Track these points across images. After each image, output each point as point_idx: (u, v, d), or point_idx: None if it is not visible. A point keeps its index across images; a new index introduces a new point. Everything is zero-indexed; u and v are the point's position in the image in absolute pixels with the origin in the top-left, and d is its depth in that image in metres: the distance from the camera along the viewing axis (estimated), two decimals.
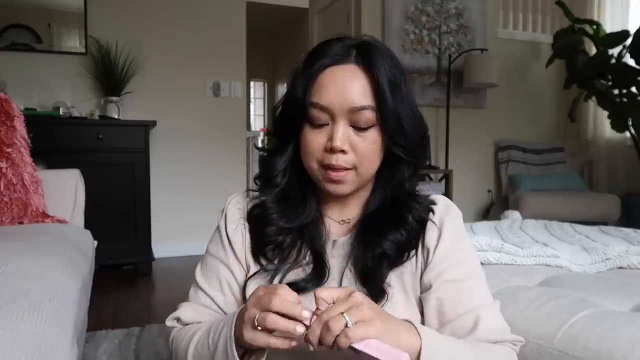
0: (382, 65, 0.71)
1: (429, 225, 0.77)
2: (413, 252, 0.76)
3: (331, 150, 0.71)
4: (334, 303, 0.58)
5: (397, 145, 0.74)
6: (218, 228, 0.83)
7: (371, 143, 0.72)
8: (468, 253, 0.78)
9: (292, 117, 0.75)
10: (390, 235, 0.75)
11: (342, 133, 0.71)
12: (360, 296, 0.58)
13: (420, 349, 0.60)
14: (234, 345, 0.63)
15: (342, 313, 0.55)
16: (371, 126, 0.72)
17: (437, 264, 0.75)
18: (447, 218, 0.78)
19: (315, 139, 0.72)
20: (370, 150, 0.72)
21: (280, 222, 0.77)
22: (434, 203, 0.80)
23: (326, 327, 0.54)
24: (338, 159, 0.71)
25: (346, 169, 0.72)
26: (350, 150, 0.71)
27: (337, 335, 0.54)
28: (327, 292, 0.58)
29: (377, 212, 0.78)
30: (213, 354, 0.66)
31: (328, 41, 0.74)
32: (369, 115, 0.71)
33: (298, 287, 0.73)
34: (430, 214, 0.78)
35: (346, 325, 0.54)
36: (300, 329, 0.56)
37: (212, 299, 0.80)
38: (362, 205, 0.81)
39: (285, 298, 0.57)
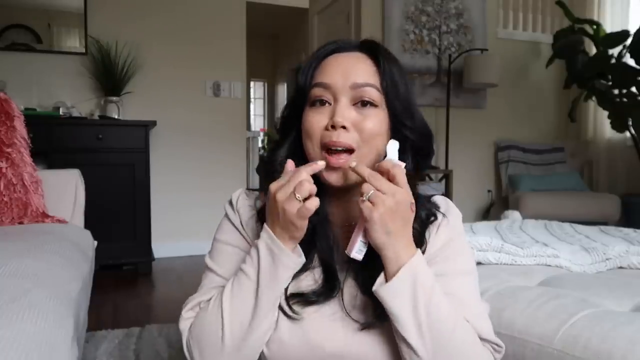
0: (387, 54, 0.74)
1: (432, 228, 0.77)
2: (421, 248, 0.75)
3: (332, 127, 0.69)
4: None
5: (405, 127, 0.72)
6: (231, 221, 0.79)
7: (376, 123, 0.70)
8: (462, 251, 0.78)
9: (295, 105, 0.75)
10: None
11: (344, 109, 0.70)
12: (401, 194, 0.64)
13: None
14: (279, 241, 0.66)
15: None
16: (374, 106, 0.71)
17: (429, 259, 0.74)
18: (445, 218, 0.78)
19: (315, 118, 0.71)
20: (375, 131, 0.70)
21: None
22: (436, 206, 0.80)
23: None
24: (340, 136, 0.68)
25: (346, 150, 0.69)
26: (353, 129, 0.69)
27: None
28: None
29: None
30: (257, 275, 0.68)
31: (332, 40, 0.78)
32: (372, 93, 0.70)
33: (307, 299, 0.72)
34: (435, 217, 0.78)
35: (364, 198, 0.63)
36: (321, 163, 0.67)
37: None
38: None
39: (298, 173, 0.65)
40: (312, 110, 0.72)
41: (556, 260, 1.33)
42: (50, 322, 0.71)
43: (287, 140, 0.77)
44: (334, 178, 0.70)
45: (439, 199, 0.82)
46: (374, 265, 0.69)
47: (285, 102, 0.79)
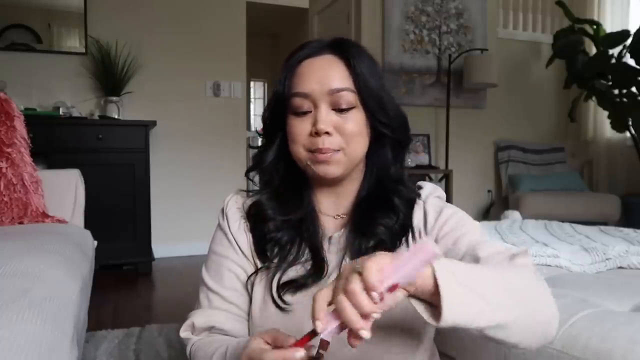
0: (357, 53, 0.76)
1: (416, 207, 0.79)
2: (407, 235, 0.77)
3: (316, 133, 0.73)
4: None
5: (381, 124, 0.76)
6: (221, 228, 0.83)
7: (355, 124, 0.74)
8: (462, 219, 0.77)
9: (276, 112, 0.78)
10: (381, 221, 0.76)
11: (325, 116, 0.73)
12: (348, 266, 0.52)
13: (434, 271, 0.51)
14: None
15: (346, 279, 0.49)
16: (352, 107, 0.74)
17: (433, 237, 0.75)
18: (430, 198, 0.80)
19: (299, 126, 0.75)
20: (355, 131, 0.74)
21: (277, 217, 0.78)
22: (420, 187, 0.82)
23: (350, 296, 0.47)
24: (324, 142, 0.73)
25: (333, 150, 0.73)
26: (335, 132, 0.73)
27: (365, 292, 0.47)
28: (322, 297, 0.51)
29: (366, 199, 0.80)
30: None
31: (305, 43, 0.79)
32: (348, 97, 0.73)
33: (298, 284, 0.74)
34: (417, 197, 0.80)
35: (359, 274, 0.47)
36: (299, 355, 0.52)
37: (224, 299, 0.79)
38: (353, 195, 0.81)
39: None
40: (295, 119, 0.75)
41: (556, 260, 1.32)
42: (50, 322, 0.71)
43: (273, 143, 0.80)
44: (322, 171, 0.75)
45: (425, 184, 0.84)
46: (366, 245, 0.74)
47: (265, 107, 0.82)
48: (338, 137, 0.73)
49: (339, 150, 0.74)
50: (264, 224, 0.78)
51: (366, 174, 0.81)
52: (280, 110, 0.77)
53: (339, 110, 0.74)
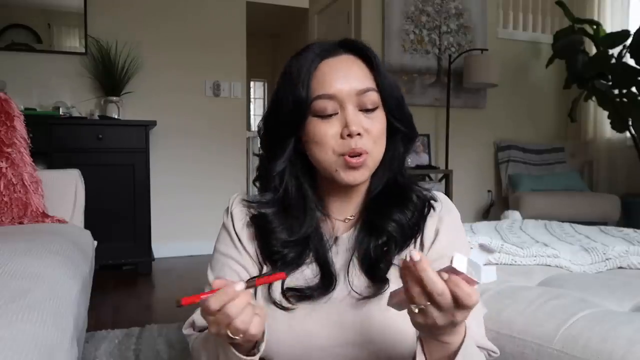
0: (373, 52, 0.76)
1: (429, 220, 0.78)
2: (418, 235, 0.76)
3: (349, 135, 0.71)
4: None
5: (397, 120, 0.76)
6: (225, 228, 0.81)
7: (381, 124, 0.74)
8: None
9: (290, 118, 0.74)
10: (394, 216, 0.75)
11: (355, 116, 0.72)
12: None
13: (460, 345, 0.59)
14: (232, 349, 0.60)
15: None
16: (377, 107, 0.74)
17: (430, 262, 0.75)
18: (446, 217, 0.79)
19: (327, 129, 0.72)
20: (381, 131, 0.74)
21: (283, 235, 0.76)
22: (434, 198, 0.81)
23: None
24: (357, 143, 0.71)
25: (365, 152, 0.72)
26: (365, 133, 0.72)
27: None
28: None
29: (380, 194, 0.79)
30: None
31: (309, 45, 0.77)
32: (373, 97, 0.73)
33: (304, 295, 0.73)
34: (432, 208, 0.79)
35: None
36: (239, 287, 0.55)
37: None
38: (363, 196, 0.80)
39: (233, 302, 0.54)
40: (320, 122, 0.72)
41: (556, 260, 1.33)
42: (50, 322, 0.71)
43: (284, 151, 0.76)
44: (351, 178, 0.73)
45: (439, 195, 0.82)
46: (375, 243, 0.73)
47: (266, 116, 0.78)
48: (368, 137, 0.72)
49: (367, 153, 0.73)
50: (269, 238, 0.76)
51: (377, 170, 0.79)
52: (298, 115, 0.73)
53: (365, 110, 0.73)
